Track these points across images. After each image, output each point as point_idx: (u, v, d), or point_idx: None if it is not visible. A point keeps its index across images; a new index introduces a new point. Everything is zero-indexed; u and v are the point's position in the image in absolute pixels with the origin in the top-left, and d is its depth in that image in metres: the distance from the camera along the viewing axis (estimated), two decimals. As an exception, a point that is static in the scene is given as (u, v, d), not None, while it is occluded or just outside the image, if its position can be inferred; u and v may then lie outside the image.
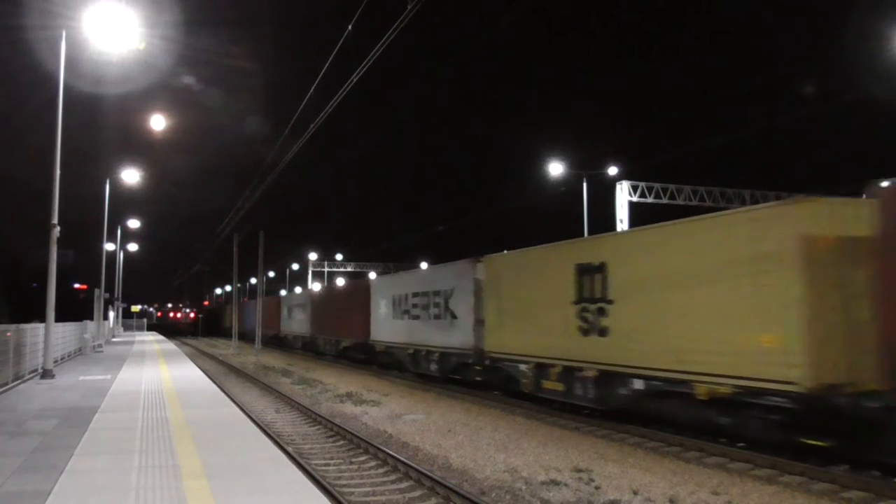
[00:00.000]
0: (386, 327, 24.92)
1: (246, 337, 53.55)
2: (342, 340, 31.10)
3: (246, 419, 10.93)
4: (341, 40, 13.98)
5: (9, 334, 14.58)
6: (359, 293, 28.83)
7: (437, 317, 20.23)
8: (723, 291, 10.29)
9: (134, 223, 46.50)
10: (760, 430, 10.00)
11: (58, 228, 16.64)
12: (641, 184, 29.35)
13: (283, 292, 71.57)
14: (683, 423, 11.57)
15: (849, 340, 8.98)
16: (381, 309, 25.42)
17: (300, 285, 72.56)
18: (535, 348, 14.94)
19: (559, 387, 14.15)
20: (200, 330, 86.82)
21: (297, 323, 41.69)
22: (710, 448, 10.93)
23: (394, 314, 23.99)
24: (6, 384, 14.08)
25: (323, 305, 35.79)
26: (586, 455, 10.71)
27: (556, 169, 30.54)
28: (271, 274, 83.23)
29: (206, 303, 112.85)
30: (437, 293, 20.35)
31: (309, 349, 38.30)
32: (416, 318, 21.82)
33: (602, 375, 12.90)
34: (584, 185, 30.98)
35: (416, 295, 21.99)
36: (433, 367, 20.72)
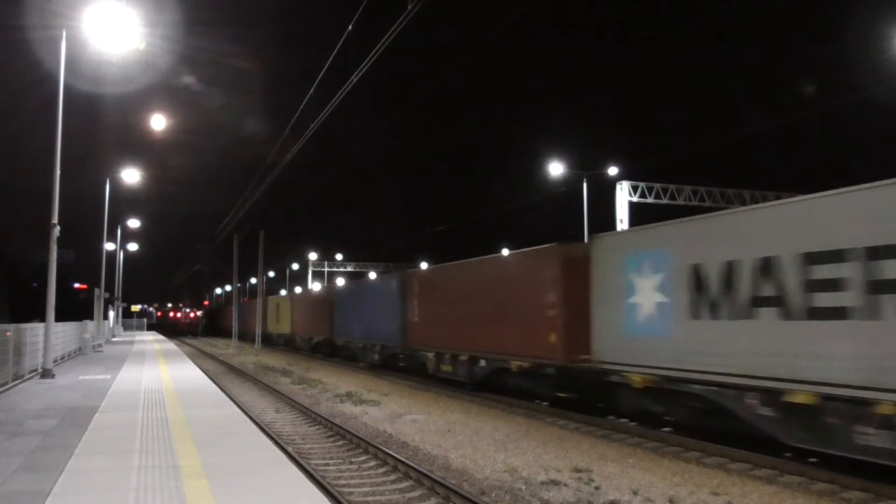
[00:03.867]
0: None
1: (319, 348, 36.79)
2: None
3: (246, 419, 10.93)
4: (341, 40, 13.99)
5: (8, 334, 14.57)
6: None
7: None
8: None
9: (134, 223, 46.54)
10: None
11: (58, 228, 16.63)
12: (641, 184, 29.36)
13: (283, 292, 71.47)
14: None
15: None
16: None
17: (300, 285, 72.53)
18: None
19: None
20: (201, 330, 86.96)
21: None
22: (710, 448, 10.93)
23: None
24: (6, 384, 14.07)
25: None
26: (586, 455, 10.72)
27: (556, 169, 30.60)
28: (271, 274, 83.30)
29: (206, 303, 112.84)
30: None
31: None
32: None
33: None
34: (584, 185, 31.02)
35: None
36: None
